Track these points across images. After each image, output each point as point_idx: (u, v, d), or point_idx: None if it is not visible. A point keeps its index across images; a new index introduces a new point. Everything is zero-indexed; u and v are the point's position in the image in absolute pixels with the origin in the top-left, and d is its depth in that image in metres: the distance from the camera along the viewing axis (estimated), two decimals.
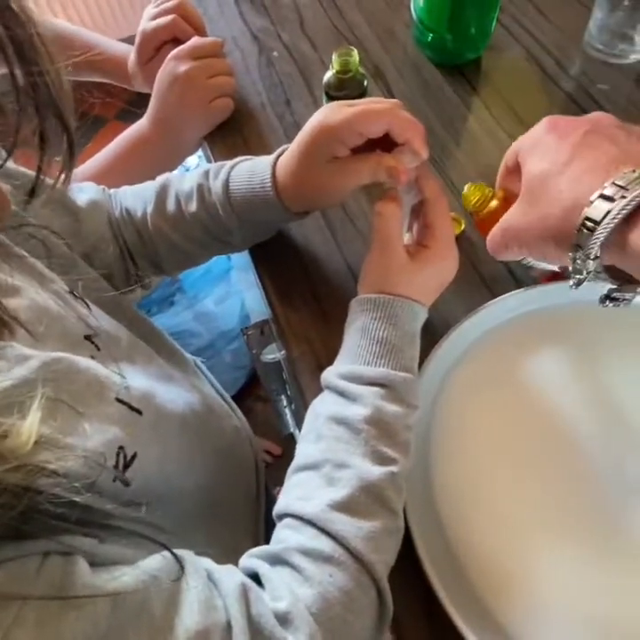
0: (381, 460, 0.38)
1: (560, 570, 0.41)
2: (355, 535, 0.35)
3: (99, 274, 0.51)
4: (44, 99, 0.23)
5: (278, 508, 0.40)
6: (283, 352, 0.76)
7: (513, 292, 0.52)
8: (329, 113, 0.45)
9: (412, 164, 0.46)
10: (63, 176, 0.31)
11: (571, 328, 0.50)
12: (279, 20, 0.80)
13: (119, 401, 0.39)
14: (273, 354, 0.78)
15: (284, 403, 1.14)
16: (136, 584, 0.29)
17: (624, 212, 0.30)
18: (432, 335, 0.50)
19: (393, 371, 0.41)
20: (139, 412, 0.40)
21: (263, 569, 0.35)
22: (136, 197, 0.56)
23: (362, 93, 0.61)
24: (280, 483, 0.43)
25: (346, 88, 0.59)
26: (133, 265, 0.57)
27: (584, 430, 0.45)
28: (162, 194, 0.54)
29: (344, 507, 0.36)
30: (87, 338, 0.41)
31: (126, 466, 0.36)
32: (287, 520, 0.38)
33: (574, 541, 0.42)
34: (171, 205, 0.53)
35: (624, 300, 0.36)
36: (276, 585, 0.34)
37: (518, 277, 0.56)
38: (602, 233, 0.31)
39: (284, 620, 0.33)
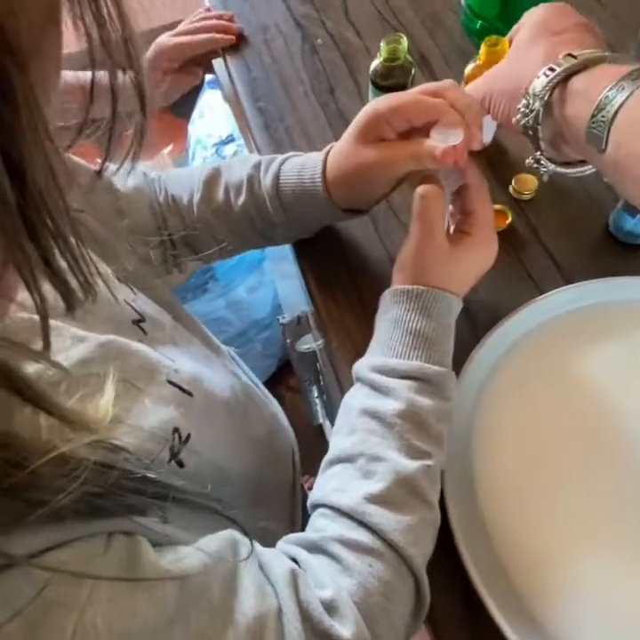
0: (415, 453, 0.38)
1: (603, 572, 0.40)
2: (393, 528, 0.36)
3: (137, 259, 0.51)
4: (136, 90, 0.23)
5: (313, 498, 0.40)
6: (319, 342, 0.75)
7: (560, 289, 0.51)
8: (382, 98, 0.46)
9: (455, 141, 0.44)
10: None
11: (618, 326, 0.49)
12: (323, 6, 0.79)
13: (170, 383, 0.39)
14: (308, 344, 0.78)
15: (315, 393, 1.14)
16: (199, 566, 0.29)
17: (555, 79, 0.38)
18: (477, 330, 0.49)
19: (426, 363, 0.41)
20: (190, 394, 0.40)
21: (302, 556, 0.36)
22: (182, 184, 0.56)
23: (409, 82, 0.60)
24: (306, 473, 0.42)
25: (393, 76, 0.58)
26: (173, 250, 0.57)
27: (630, 430, 0.44)
28: (210, 183, 0.54)
29: (380, 500, 0.36)
30: (134, 322, 0.41)
31: (180, 448, 0.37)
32: (323, 510, 0.38)
33: (620, 543, 0.41)
34: (219, 196, 0.53)
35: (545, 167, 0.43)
36: (317, 573, 0.35)
37: (566, 274, 0.54)
38: (541, 91, 0.38)
39: (329, 607, 0.33)
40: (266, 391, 0.68)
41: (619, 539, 0.41)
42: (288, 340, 0.81)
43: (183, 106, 0.96)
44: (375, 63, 0.58)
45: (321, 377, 0.94)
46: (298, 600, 0.32)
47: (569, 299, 0.50)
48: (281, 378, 1.50)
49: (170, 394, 0.38)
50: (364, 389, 0.42)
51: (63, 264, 0.20)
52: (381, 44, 0.56)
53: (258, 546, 0.35)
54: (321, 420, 1.27)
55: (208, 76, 1.50)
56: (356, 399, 0.42)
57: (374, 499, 0.36)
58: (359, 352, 0.52)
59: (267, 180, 0.51)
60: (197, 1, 0.91)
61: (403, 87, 0.59)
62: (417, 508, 0.37)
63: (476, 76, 0.54)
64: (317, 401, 1.17)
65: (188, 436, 0.37)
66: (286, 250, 0.63)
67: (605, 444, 0.44)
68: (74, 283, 0.21)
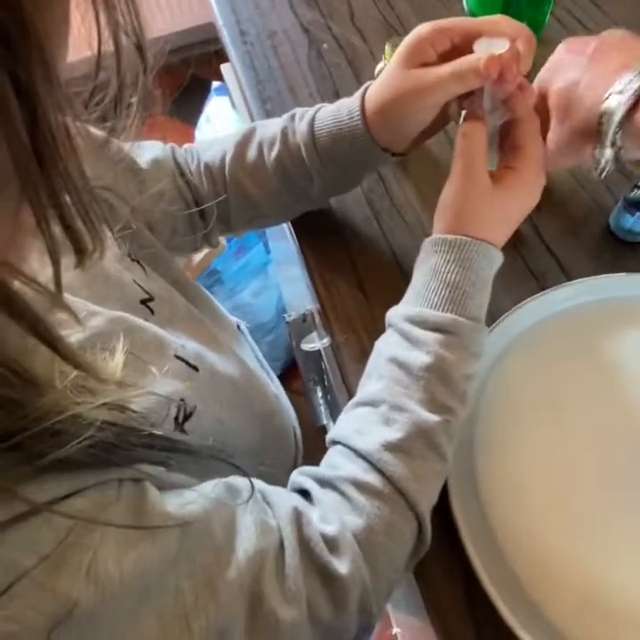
0: (438, 408, 0.39)
1: (602, 559, 0.40)
2: (405, 476, 0.37)
3: (154, 235, 0.51)
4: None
5: (333, 434, 0.41)
6: (323, 341, 0.77)
7: (561, 285, 0.52)
8: (425, 23, 0.44)
9: (500, 50, 0.41)
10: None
11: (620, 321, 0.50)
12: (329, 12, 0.80)
13: (177, 357, 0.40)
14: (313, 343, 0.79)
15: (319, 394, 1.15)
16: (202, 510, 0.31)
17: (630, 100, 0.36)
18: None
19: (460, 317, 0.40)
20: (195, 368, 0.41)
21: (314, 490, 0.38)
22: (215, 148, 0.55)
23: None
24: None
25: None
26: (202, 222, 0.56)
27: (634, 423, 0.45)
28: (243, 142, 0.53)
29: (397, 448, 0.38)
30: (143, 302, 0.42)
31: (186, 418, 0.38)
32: (341, 448, 0.40)
33: (620, 530, 0.41)
34: (251, 153, 0.52)
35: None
36: (326, 508, 0.36)
37: (567, 271, 0.55)
38: (615, 119, 0.37)
39: (331, 544, 0.35)
40: (270, 370, 0.69)
41: (621, 527, 0.42)
42: (293, 339, 0.82)
43: (190, 112, 0.98)
44: (380, 65, 0.60)
45: (325, 377, 0.95)
46: (299, 536, 0.34)
47: (570, 294, 0.51)
48: (285, 381, 1.51)
49: (177, 368, 0.39)
50: (395, 337, 0.42)
51: (73, 212, 0.22)
52: (386, 47, 0.58)
53: (262, 484, 0.37)
54: (325, 422, 1.28)
55: (215, 83, 1.52)
56: (387, 346, 0.42)
57: (391, 446, 0.37)
58: (364, 347, 0.53)
59: (302, 127, 0.50)
60: (205, 7, 0.93)
61: None
62: (431, 460, 0.38)
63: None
64: (321, 402, 1.18)
65: (194, 409, 0.38)
66: (291, 253, 0.64)
67: (607, 436, 0.45)
68: (83, 230, 0.22)
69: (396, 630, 1.28)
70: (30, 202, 0.20)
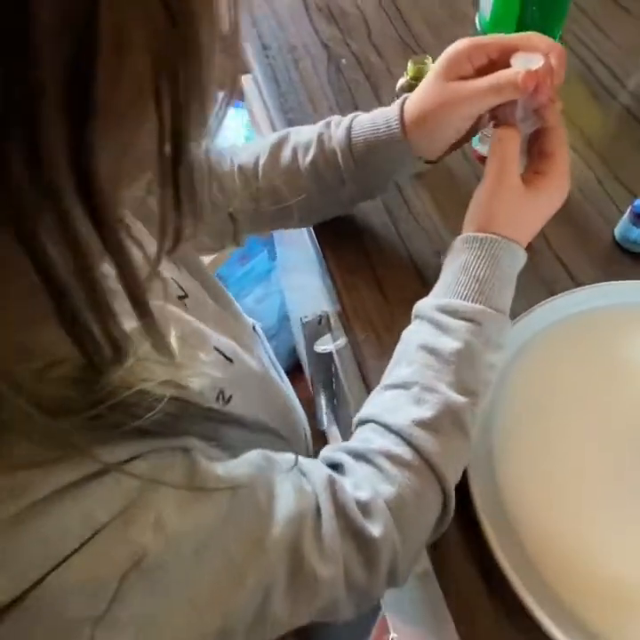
0: (465, 391, 0.42)
1: (619, 544, 0.43)
2: (435, 451, 0.40)
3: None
4: None
5: (362, 414, 0.44)
6: (337, 342, 0.79)
7: (570, 291, 0.55)
8: (462, 39, 0.47)
9: (536, 65, 0.43)
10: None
11: (628, 326, 0.53)
12: (348, 29, 0.84)
13: (216, 349, 0.43)
14: (326, 345, 0.82)
15: (323, 399, 1.18)
16: (246, 475, 0.34)
17: None
18: None
19: (488, 308, 0.43)
20: (230, 360, 0.44)
21: (348, 462, 0.40)
22: (250, 151, 0.57)
23: None
24: None
25: None
26: (231, 223, 0.58)
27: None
28: (278, 145, 0.55)
29: (428, 425, 0.40)
30: (179, 298, 0.44)
31: (223, 406, 0.40)
32: (373, 425, 0.42)
33: (633, 514, 0.44)
34: (286, 156, 0.54)
35: None
36: (359, 478, 0.39)
37: (576, 279, 0.58)
38: None
39: (364, 509, 0.37)
40: (282, 371, 0.71)
41: (636, 511, 0.44)
42: (307, 340, 0.84)
43: None
44: (402, 81, 0.63)
45: (334, 380, 0.97)
46: (334, 501, 0.37)
47: (579, 300, 0.54)
48: None
49: (215, 358, 0.42)
50: (425, 326, 0.45)
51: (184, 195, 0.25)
52: (408, 64, 0.61)
53: (296, 456, 0.40)
54: (325, 426, 1.30)
55: None
56: (416, 334, 0.45)
57: (422, 423, 0.40)
58: (383, 346, 0.56)
59: (339, 133, 0.53)
60: None
61: None
62: (457, 439, 0.41)
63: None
64: (324, 406, 1.21)
65: (231, 397, 0.41)
66: (299, 259, 0.67)
67: (619, 424, 0.48)
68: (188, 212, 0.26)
69: (392, 635, 1.29)
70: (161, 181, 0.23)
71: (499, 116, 0.47)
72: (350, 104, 0.76)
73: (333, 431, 1.27)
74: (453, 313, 0.43)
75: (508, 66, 0.45)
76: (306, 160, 0.54)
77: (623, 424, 0.48)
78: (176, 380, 0.31)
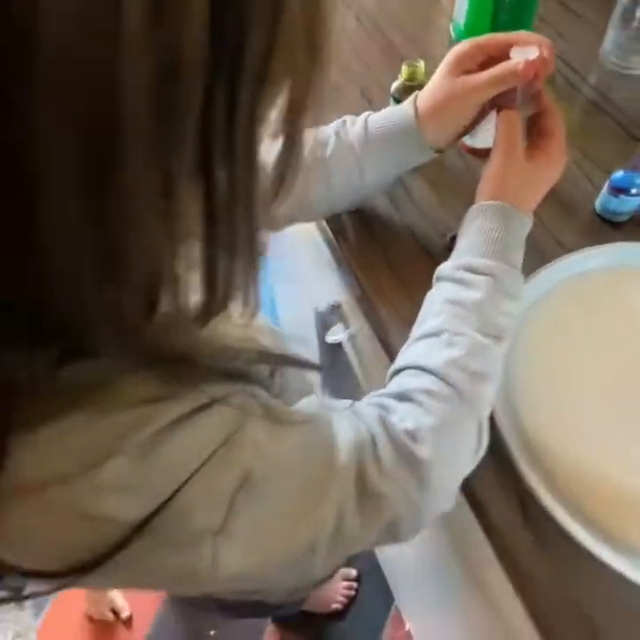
0: (490, 336, 0.47)
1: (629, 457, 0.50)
2: (469, 388, 0.44)
3: None
4: None
5: (396, 365, 0.49)
6: (349, 330, 0.85)
7: (564, 257, 0.62)
8: (463, 41, 0.54)
9: (534, 55, 0.50)
10: None
11: (620, 286, 0.60)
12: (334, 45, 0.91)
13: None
14: (336, 335, 0.87)
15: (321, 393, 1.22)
16: (312, 414, 0.41)
17: None
18: None
19: (503, 264, 0.49)
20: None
21: (390, 403, 0.45)
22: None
23: None
24: None
25: (410, 93, 0.70)
26: None
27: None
28: None
29: (461, 364, 0.45)
30: None
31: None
32: (409, 371, 0.47)
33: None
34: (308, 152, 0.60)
35: None
36: (403, 413, 0.43)
37: (565, 248, 0.66)
38: None
39: (411, 436, 0.42)
40: None
41: None
42: (319, 329, 0.90)
43: None
44: (396, 83, 0.71)
45: (331, 377, 1.02)
46: (386, 432, 0.42)
47: (572, 263, 0.62)
48: None
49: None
50: (447, 285, 0.50)
51: None
52: (403, 67, 0.69)
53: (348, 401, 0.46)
54: None
55: None
56: (439, 292, 0.50)
57: (455, 363, 0.45)
58: (404, 317, 0.61)
59: (355, 128, 0.58)
60: None
61: None
62: (487, 376, 0.46)
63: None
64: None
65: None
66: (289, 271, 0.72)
67: (627, 368, 0.56)
68: None
69: (408, 626, 1.33)
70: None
71: (500, 104, 0.54)
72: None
73: None
74: (473, 269, 0.49)
75: (506, 60, 0.51)
76: (325, 154, 0.59)
77: (631, 357, 0.56)
78: (254, 337, 0.38)
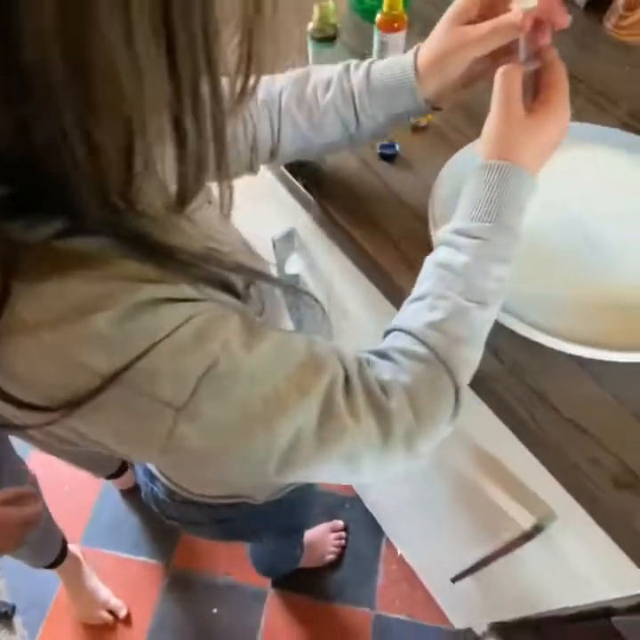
0: (474, 300, 0.47)
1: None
2: (445, 350, 0.45)
3: None
4: None
5: (388, 327, 0.50)
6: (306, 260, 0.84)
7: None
8: None
9: (533, 3, 0.47)
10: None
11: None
12: None
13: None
14: (295, 265, 0.84)
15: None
16: (292, 333, 0.42)
17: None
18: None
19: (496, 226, 0.47)
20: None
21: (371, 357, 0.46)
22: (273, 86, 0.59)
23: (335, 35, 0.77)
24: None
25: (324, 32, 0.76)
26: (250, 152, 0.60)
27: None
28: (300, 81, 0.58)
29: (439, 327, 0.46)
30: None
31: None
32: (394, 333, 0.48)
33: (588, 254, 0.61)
34: (308, 92, 0.57)
35: None
36: (381, 368, 0.45)
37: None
38: None
39: (383, 387, 0.43)
40: None
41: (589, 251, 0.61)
42: (277, 264, 0.87)
43: None
44: (310, 25, 0.75)
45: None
46: (361, 375, 0.43)
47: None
48: None
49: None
50: (441, 249, 0.49)
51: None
52: (314, 8, 0.72)
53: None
54: None
55: None
56: (434, 255, 0.50)
57: (435, 325, 0.46)
58: (409, 262, 0.63)
59: (358, 75, 0.56)
60: None
61: (333, 39, 0.77)
62: (468, 340, 0.46)
63: (384, 22, 0.74)
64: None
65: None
66: None
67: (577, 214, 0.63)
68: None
69: (400, 551, 1.42)
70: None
71: (504, 59, 0.51)
72: None
73: None
74: (464, 233, 0.48)
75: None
76: (326, 96, 0.57)
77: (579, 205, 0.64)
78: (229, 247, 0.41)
